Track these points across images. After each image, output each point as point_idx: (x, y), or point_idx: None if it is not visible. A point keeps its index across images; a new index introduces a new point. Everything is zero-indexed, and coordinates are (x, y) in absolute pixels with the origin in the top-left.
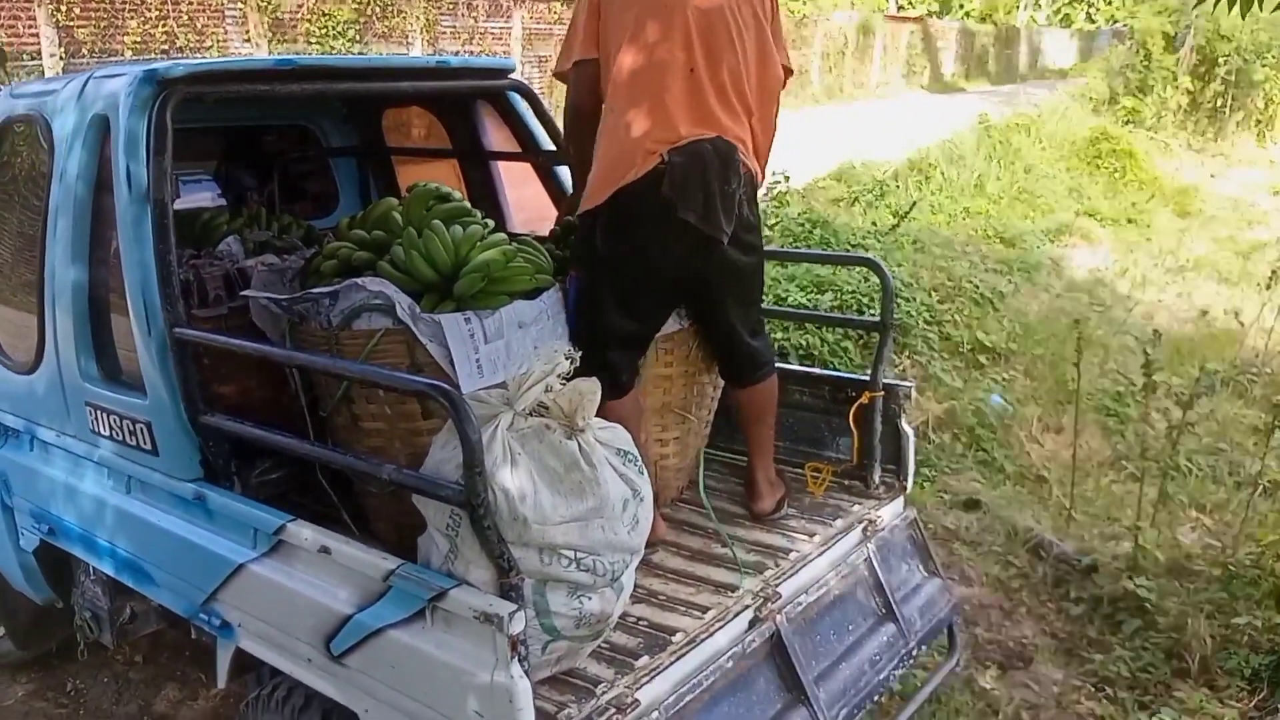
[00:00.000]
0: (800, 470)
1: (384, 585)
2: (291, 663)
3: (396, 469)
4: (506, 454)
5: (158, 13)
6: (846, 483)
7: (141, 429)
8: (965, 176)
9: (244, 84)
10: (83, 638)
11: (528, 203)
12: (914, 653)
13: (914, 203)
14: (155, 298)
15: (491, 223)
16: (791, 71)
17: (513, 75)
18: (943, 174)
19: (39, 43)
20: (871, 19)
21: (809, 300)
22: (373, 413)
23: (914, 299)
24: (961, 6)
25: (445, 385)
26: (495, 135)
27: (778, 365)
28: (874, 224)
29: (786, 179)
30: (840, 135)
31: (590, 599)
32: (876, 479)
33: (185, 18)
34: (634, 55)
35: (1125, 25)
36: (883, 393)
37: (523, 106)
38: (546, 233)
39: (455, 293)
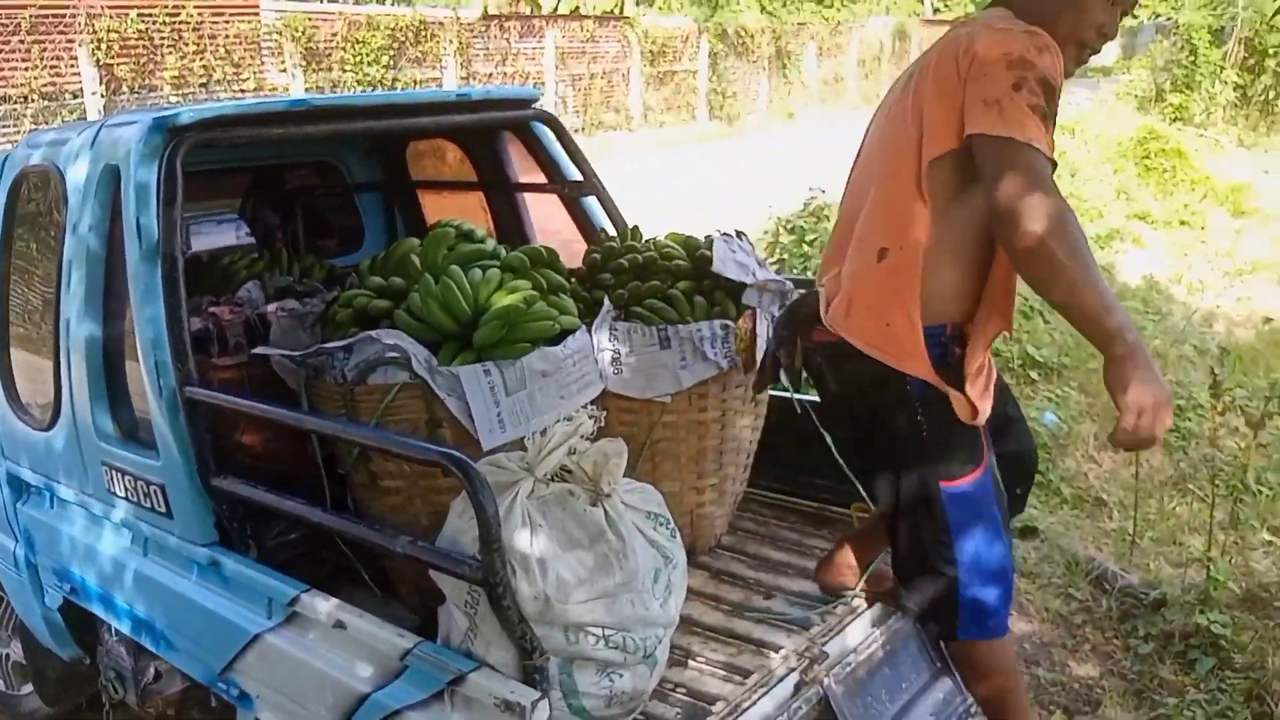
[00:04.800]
0: (845, 510)
1: (401, 664)
2: None
3: (411, 541)
4: (526, 525)
5: (195, 48)
6: None
7: (155, 490)
8: None
9: (256, 128)
10: (107, 697)
11: (556, 234)
12: (973, 709)
13: None
14: (166, 355)
15: (524, 256)
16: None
17: (537, 105)
18: None
19: (80, 81)
20: (907, 23)
21: None
22: (391, 471)
23: None
24: None
25: (458, 454)
26: (521, 165)
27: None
28: None
29: (823, 192)
30: None
31: (621, 676)
32: None
33: (222, 51)
34: None
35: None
36: None
37: (548, 137)
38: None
39: (475, 342)
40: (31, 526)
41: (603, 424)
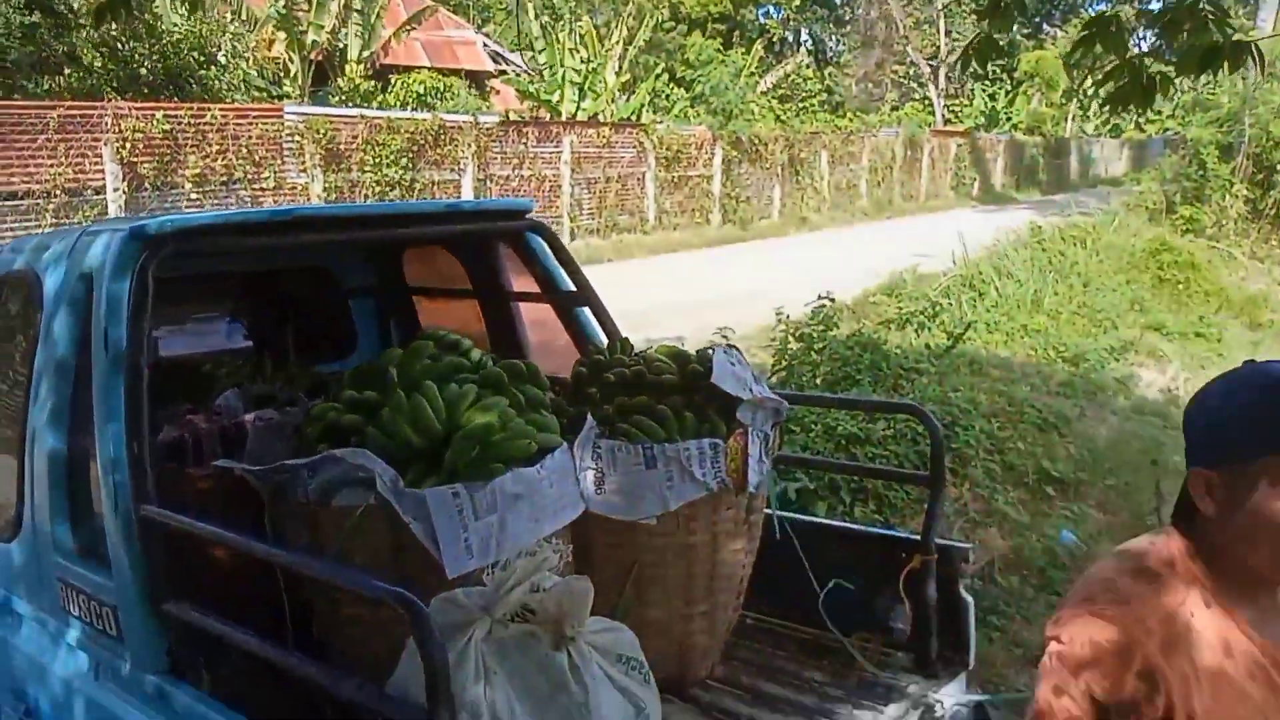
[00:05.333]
0: (846, 639)
1: None
2: None
3: (358, 685)
4: (480, 673)
5: (218, 147)
6: (900, 657)
7: (108, 612)
8: (1020, 292)
9: (236, 238)
10: None
11: (551, 344)
12: None
13: (969, 324)
14: (125, 472)
15: (502, 372)
16: None
17: (530, 215)
18: (997, 290)
19: (104, 178)
20: (918, 134)
21: (859, 429)
22: (351, 598)
23: (973, 426)
24: (1009, 119)
25: (404, 593)
26: (516, 273)
27: (817, 519)
28: (928, 346)
29: (833, 300)
30: (890, 249)
31: None
32: (934, 654)
33: (244, 150)
34: None
35: (1176, 134)
36: (936, 556)
37: (541, 248)
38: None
39: (445, 462)
40: None
41: (569, 558)
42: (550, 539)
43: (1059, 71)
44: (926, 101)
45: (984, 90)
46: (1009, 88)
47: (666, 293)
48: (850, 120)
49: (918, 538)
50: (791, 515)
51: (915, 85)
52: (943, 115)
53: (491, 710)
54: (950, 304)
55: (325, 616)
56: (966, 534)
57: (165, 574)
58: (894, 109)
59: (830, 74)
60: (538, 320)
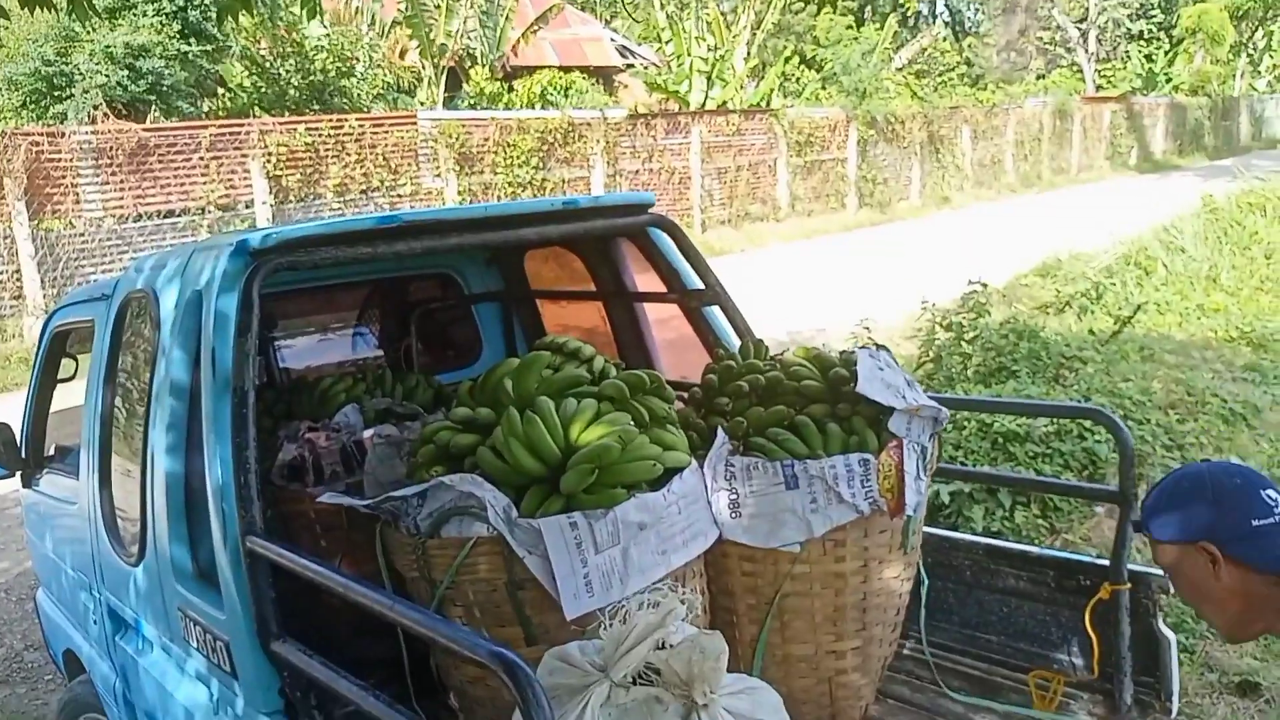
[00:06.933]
0: (1023, 680)
1: None
2: None
3: None
4: None
5: (356, 157)
6: (1087, 699)
7: (222, 647)
8: (1194, 267)
9: (343, 247)
10: None
11: (679, 345)
12: None
13: (1138, 306)
14: (232, 500)
15: (623, 385)
16: None
17: (652, 210)
18: (1166, 266)
19: (253, 193)
20: (1068, 102)
21: (1018, 427)
22: None
23: (1148, 420)
24: (1169, 80)
25: (506, 654)
26: (640, 270)
27: (987, 539)
28: (1091, 331)
29: (984, 286)
30: (1041, 226)
31: None
32: (1128, 698)
33: (381, 159)
34: None
35: None
36: (1129, 585)
37: (666, 243)
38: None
39: (562, 488)
40: (126, 663)
41: (698, 610)
42: (677, 586)
43: (1225, 25)
44: (1075, 68)
45: (1140, 51)
46: (1167, 47)
47: (802, 282)
48: (993, 92)
49: (1105, 563)
50: (956, 535)
51: (1063, 51)
52: (1094, 81)
53: None
54: (1114, 284)
55: (442, 656)
56: (1142, 546)
57: (274, 609)
58: (1040, 78)
59: (969, 45)
60: (665, 320)
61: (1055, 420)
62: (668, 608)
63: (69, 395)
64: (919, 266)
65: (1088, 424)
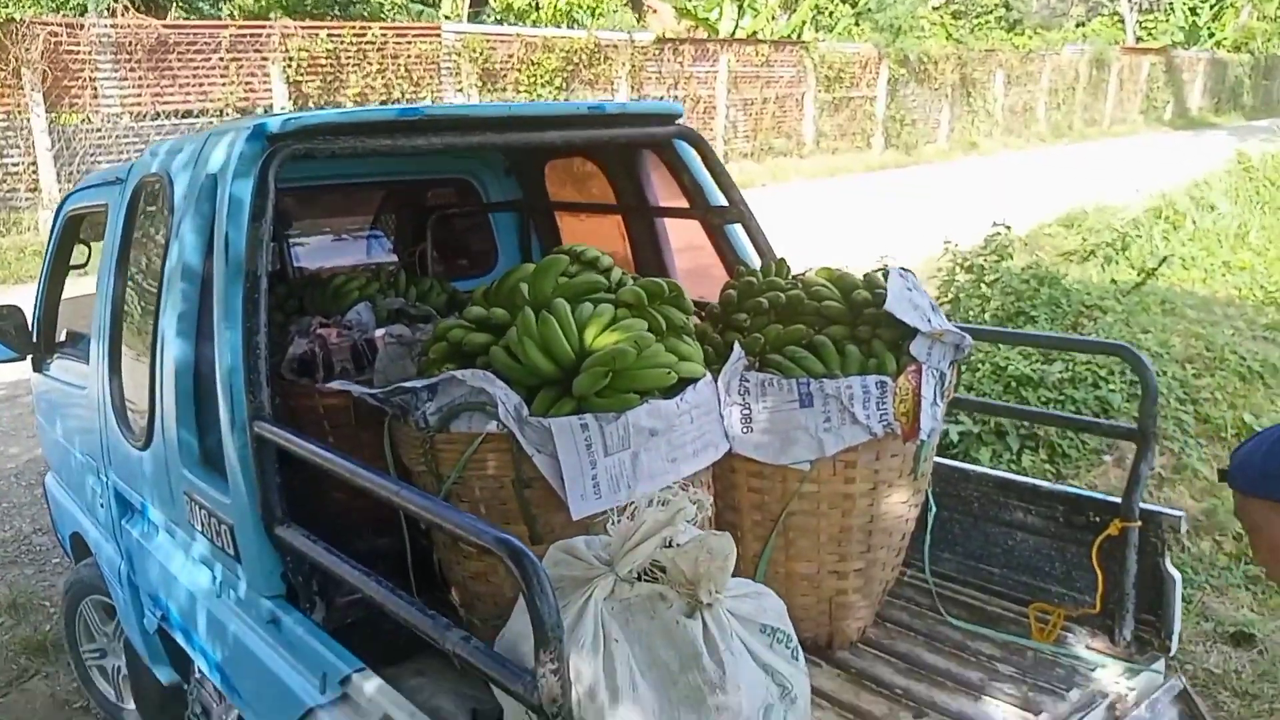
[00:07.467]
0: (1023, 612)
1: None
2: None
3: (463, 638)
4: (599, 639)
5: (378, 66)
6: (1084, 634)
7: (226, 530)
8: (1222, 224)
9: (363, 138)
10: None
11: (697, 264)
12: None
13: (1164, 258)
14: (240, 383)
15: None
16: None
17: (680, 121)
18: (1194, 221)
19: (272, 98)
20: (1107, 52)
21: (1031, 370)
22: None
23: (1165, 372)
24: (1212, 35)
25: (513, 541)
26: (663, 187)
27: (993, 471)
28: (1114, 281)
29: (1008, 229)
30: (1070, 177)
31: None
32: (1127, 634)
33: (403, 70)
34: None
35: None
36: (1140, 523)
37: (691, 157)
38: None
39: (574, 390)
40: (131, 546)
41: (708, 510)
42: (689, 486)
43: None
44: (1117, 17)
45: (1185, 3)
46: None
47: (823, 220)
48: (1030, 38)
49: (1117, 500)
50: (966, 466)
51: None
52: (1134, 32)
53: (610, 683)
54: (1140, 236)
55: (446, 550)
56: (1151, 492)
57: (279, 495)
58: (1079, 25)
59: None
60: (686, 239)
61: (1071, 367)
62: (677, 506)
63: (82, 286)
64: (942, 211)
65: (1103, 371)
